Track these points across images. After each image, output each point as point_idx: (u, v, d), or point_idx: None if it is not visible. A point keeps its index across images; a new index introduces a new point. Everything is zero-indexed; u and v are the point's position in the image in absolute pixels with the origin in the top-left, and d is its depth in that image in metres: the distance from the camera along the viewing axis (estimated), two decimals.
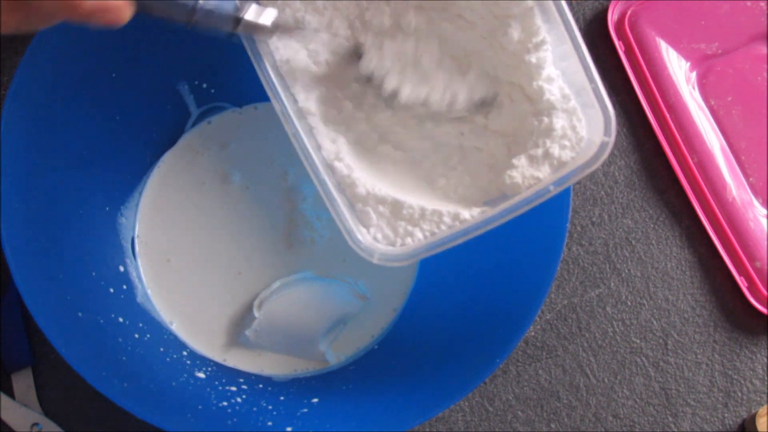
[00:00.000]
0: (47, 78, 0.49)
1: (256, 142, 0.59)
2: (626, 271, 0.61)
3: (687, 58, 0.64)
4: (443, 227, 0.44)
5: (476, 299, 0.53)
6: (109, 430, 0.55)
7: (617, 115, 0.63)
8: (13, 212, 0.46)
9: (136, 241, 0.57)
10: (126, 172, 0.56)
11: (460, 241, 0.43)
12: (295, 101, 0.46)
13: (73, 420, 0.55)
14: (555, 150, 0.44)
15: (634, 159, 0.63)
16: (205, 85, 0.57)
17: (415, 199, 0.45)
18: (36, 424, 0.54)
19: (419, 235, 0.44)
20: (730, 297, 0.61)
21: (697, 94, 0.63)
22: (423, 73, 0.46)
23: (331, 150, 0.46)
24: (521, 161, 0.44)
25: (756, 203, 0.62)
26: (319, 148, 0.45)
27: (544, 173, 0.44)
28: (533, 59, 0.45)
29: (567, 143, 0.44)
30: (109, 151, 0.54)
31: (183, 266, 0.56)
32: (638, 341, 0.60)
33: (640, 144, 0.63)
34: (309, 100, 0.46)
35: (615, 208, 0.62)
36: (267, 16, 0.43)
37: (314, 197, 0.59)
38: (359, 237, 0.43)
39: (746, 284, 0.61)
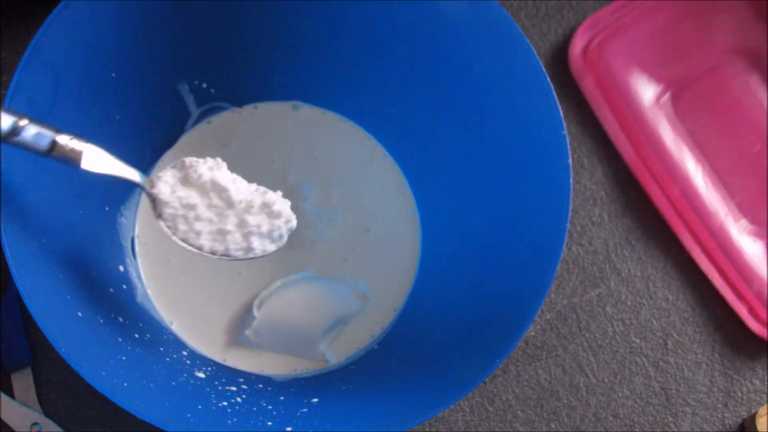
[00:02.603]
0: (47, 78, 0.49)
1: (256, 142, 0.59)
2: (626, 271, 0.61)
3: (657, 83, 0.62)
4: None
5: (476, 299, 0.53)
6: (109, 430, 0.55)
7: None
8: (13, 212, 0.46)
9: (136, 241, 0.57)
10: None
11: None
12: None
13: (73, 420, 0.55)
14: None
15: (615, 208, 0.62)
16: (205, 85, 0.57)
17: None
18: (36, 423, 0.54)
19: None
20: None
21: (672, 118, 0.62)
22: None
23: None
24: None
25: (744, 222, 0.61)
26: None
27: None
28: None
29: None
30: (108, 151, 0.54)
31: (183, 266, 0.56)
32: (638, 341, 0.60)
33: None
34: None
35: (615, 207, 0.62)
36: (78, 147, 0.44)
37: (314, 197, 0.59)
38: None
39: (746, 309, 0.60)
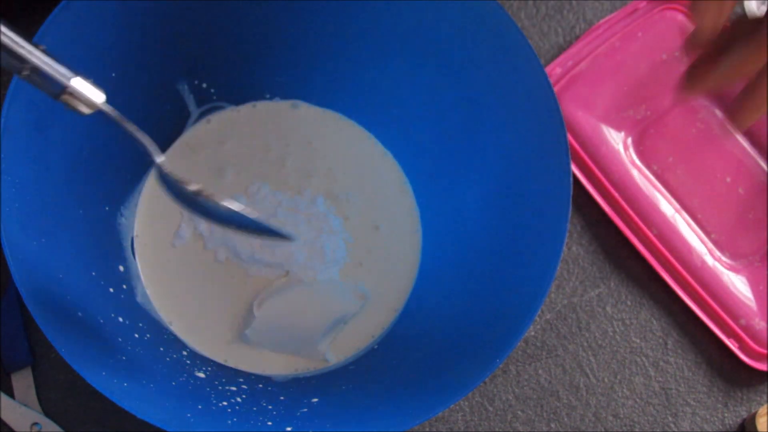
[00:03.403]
0: None
1: (254, 140, 0.59)
2: (626, 270, 0.61)
3: (619, 129, 0.62)
4: None
5: (476, 299, 0.53)
6: (109, 430, 0.55)
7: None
8: (13, 212, 0.46)
9: (136, 241, 0.57)
10: (126, 171, 0.56)
11: None
12: None
13: (73, 420, 0.55)
14: None
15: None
16: (204, 85, 0.57)
17: None
18: (36, 423, 0.54)
19: None
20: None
21: (638, 162, 0.61)
22: None
23: None
24: None
25: (724, 258, 0.61)
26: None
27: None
28: None
29: None
30: (109, 151, 0.54)
31: (183, 266, 0.56)
32: (638, 341, 0.60)
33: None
34: None
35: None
36: (96, 96, 0.42)
37: (312, 196, 0.59)
38: None
39: (737, 345, 0.59)
